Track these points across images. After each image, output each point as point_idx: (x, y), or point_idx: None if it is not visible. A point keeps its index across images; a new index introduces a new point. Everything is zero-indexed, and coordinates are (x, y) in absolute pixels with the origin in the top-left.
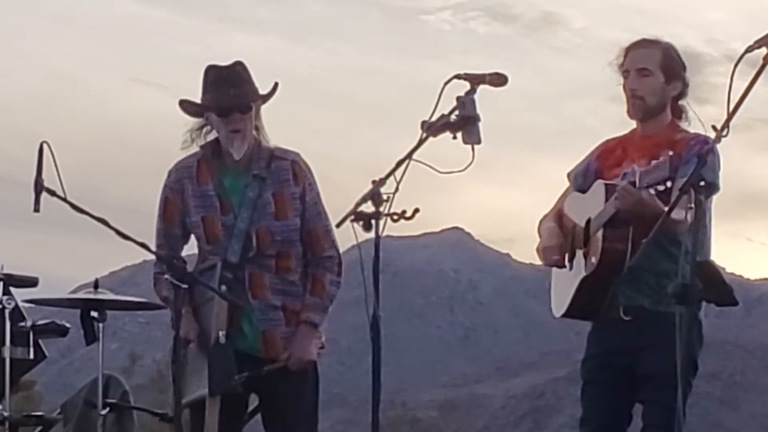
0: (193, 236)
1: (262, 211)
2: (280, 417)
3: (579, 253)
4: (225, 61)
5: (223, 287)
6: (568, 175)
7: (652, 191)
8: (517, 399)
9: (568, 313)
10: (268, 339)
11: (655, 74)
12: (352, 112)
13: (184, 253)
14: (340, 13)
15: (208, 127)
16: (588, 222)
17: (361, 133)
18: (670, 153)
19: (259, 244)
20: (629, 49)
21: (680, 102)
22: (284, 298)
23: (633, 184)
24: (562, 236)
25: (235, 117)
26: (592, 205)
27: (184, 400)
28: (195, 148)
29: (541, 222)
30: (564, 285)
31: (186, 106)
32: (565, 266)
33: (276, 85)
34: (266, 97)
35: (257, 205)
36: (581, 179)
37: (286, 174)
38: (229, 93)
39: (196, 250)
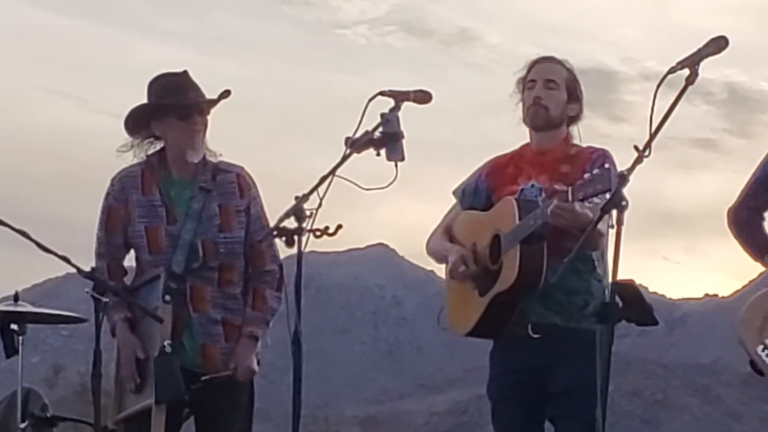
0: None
1: (208, 223)
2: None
3: (483, 269)
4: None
5: (167, 297)
6: (454, 192)
7: (587, 204)
8: (440, 416)
9: (474, 332)
10: (207, 354)
11: (561, 89)
12: (267, 125)
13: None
14: (254, 25)
15: (149, 140)
16: (495, 238)
17: (277, 146)
18: (606, 166)
19: (205, 255)
20: (536, 62)
21: (570, 127)
22: (224, 312)
23: (564, 198)
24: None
25: (195, 119)
26: (498, 222)
27: (125, 412)
28: (131, 155)
29: (429, 240)
30: (466, 303)
31: (138, 112)
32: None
33: (225, 91)
34: (215, 102)
35: (202, 216)
36: (471, 197)
37: (232, 187)
38: (188, 96)
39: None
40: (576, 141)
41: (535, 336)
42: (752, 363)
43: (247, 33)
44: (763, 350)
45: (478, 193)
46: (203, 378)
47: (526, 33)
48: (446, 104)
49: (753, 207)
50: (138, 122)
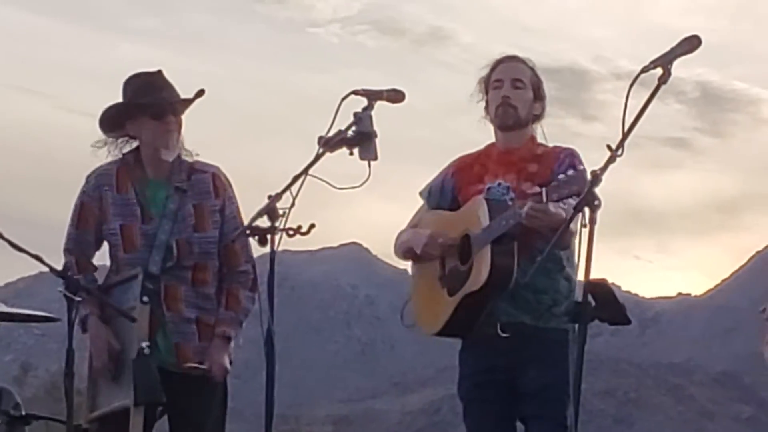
0: (105, 244)
1: (183, 223)
2: (189, 431)
3: (452, 268)
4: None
5: (145, 298)
6: (421, 193)
7: (563, 204)
8: (414, 415)
9: (443, 332)
10: (181, 352)
11: (527, 88)
12: (240, 123)
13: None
14: (227, 25)
15: (125, 139)
16: (465, 238)
17: (249, 145)
18: (580, 167)
19: (180, 255)
20: (500, 62)
21: (534, 125)
22: (198, 312)
23: (538, 199)
24: None
25: (169, 119)
26: (468, 222)
27: (99, 411)
28: (105, 153)
29: (398, 236)
30: (434, 302)
31: (112, 111)
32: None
33: (200, 91)
34: (190, 102)
35: (178, 217)
36: (437, 196)
37: (207, 186)
38: (162, 95)
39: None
40: (540, 140)
41: (504, 335)
42: None
43: (220, 32)
44: None
45: (444, 193)
46: (183, 366)
47: (498, 32)
48: (419, 103)
49: None
50: (112, 122)
